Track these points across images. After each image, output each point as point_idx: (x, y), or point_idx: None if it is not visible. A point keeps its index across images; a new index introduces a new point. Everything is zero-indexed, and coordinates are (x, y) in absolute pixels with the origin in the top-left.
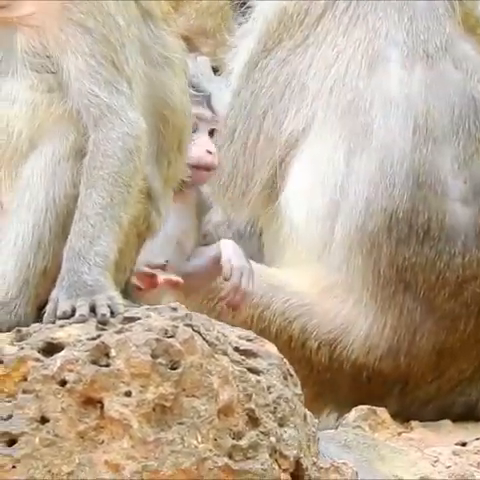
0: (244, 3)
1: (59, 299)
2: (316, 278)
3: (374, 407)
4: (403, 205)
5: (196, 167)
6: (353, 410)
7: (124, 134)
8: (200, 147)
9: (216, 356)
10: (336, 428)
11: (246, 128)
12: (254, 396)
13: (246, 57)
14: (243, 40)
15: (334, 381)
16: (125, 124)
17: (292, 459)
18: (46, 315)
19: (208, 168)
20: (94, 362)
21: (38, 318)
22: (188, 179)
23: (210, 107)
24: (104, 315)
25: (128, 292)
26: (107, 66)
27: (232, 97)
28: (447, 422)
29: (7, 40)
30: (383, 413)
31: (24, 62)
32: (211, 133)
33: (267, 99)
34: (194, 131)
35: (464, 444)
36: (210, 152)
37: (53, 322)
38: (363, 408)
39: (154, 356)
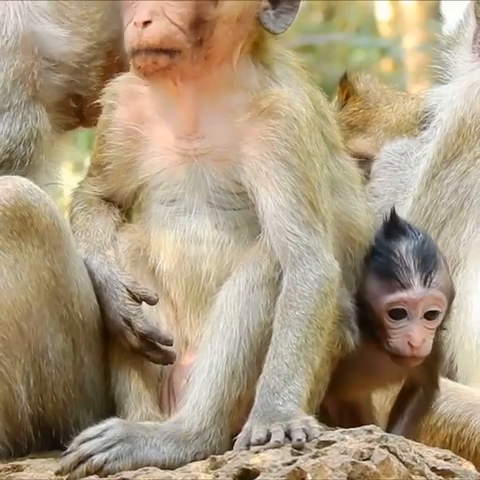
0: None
1: (252, 427)
2: None
3: None
4: None
5: (395, 355)
6: None
7: (321, 276)
8: (403, 337)
9: (413, 477)
10: None
11: None
12: None
13: (426, 166)
14: (423, 148)
15: None
16: (322, 266)
17: None
18: (238, 443)
19: (410, 358)
20: None
21: (232, 445)
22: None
23: (427, 283)
24: (300, 440)
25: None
26: (306, 206)
27: (412, 202)
28: None
29: (191, 178)
30: None
31: (210, 200)
32: (428, 316)
33: (446, 209)
34: (399, 316)
35: None
36: (412, 346)
37: (247, 449)
38: None
39: (350, 479)
